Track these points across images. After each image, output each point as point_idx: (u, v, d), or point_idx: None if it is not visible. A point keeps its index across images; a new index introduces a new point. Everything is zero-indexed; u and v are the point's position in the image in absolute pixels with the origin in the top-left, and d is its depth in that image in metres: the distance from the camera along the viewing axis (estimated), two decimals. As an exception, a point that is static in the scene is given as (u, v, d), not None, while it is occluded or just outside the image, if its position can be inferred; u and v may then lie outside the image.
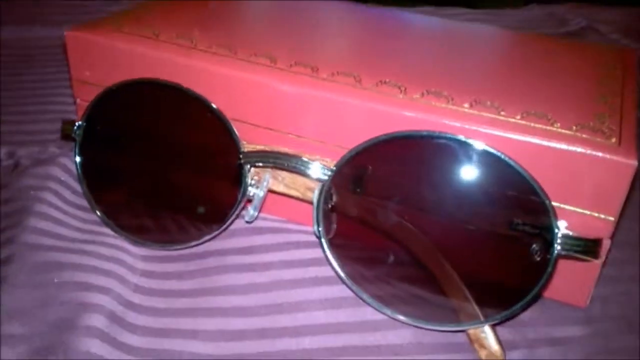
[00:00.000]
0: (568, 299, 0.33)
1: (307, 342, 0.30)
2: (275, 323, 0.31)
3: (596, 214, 0.30)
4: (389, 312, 0.30)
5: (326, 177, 0.31)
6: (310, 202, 0.33)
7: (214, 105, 0.32)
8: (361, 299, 0.31)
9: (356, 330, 0.30)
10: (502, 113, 0.31)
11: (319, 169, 0.31)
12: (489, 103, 0.32)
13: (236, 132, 0.32)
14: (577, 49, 0.40)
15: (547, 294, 0.33)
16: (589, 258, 0.27)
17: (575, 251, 0.27)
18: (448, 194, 0.30)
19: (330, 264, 0.31)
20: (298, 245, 0.35)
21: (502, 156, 0.28)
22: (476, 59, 0.38)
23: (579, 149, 0.29)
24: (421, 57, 0.37)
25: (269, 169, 0.34)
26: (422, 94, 0.32)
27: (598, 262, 0.31)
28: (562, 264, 0.31)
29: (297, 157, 0.31)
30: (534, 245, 0.28)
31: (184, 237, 0.34)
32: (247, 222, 0.34)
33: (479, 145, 0.28)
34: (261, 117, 0.34)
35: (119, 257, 0.34)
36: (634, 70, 0.36)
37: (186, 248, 0.35)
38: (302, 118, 0.33)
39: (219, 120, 0.32)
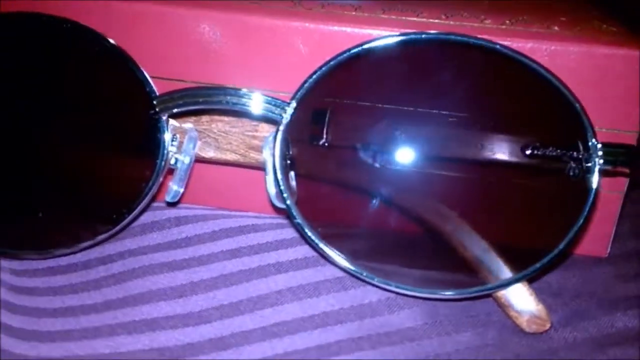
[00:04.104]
0: (587, 249, 0.28)
1: (286, 345, 0.22)
2: (232, 328, 0.23)
3: (617, 131, 0.26)
4: (392, 286, 0.23)
5: (282, 117, 0.24)
6: (255, 166, 0.26)
7: (110, 40, 0.24)
8: (357, 277, 0.24)
9: (349, 319, 0.23)
10: (487, 22, 0.27)
11: (271, 104, 0.24)
12: (465, 14, 0.28)
13: (144, 71, 0.25)
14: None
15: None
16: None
17: (622, 162, 0.23)
18: (453, 122, 0.24)
19: (308, 239, 0.24)
20: (243, 230, 0.27)
21: (519, 56, 0.23)
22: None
23: (597, 49, 0.25)
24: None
25: (193, 129, 0.26)
26: (383, 10, 0.27)
27: (619, 195, 0.27)
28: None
29: (236, 90, 0.24)
30: (571, 164, 0.23)
31: (74, 236, 0.26)
32: (169, 202, 0.26)
33: (490, 45, 0.23)
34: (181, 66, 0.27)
35: None
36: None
37: (79, 252, 0.26)
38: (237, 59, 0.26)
39: (118, 58, 0.25)
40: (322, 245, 0.24)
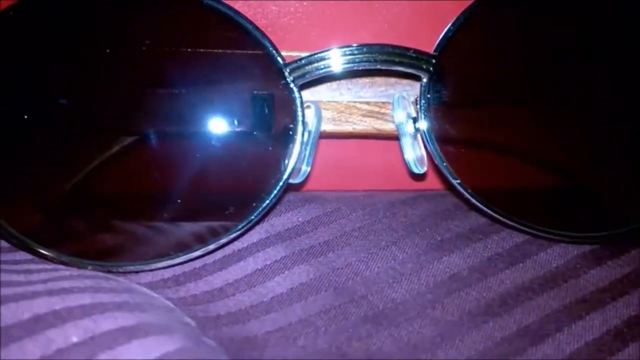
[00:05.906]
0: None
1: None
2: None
3: None
4: (565, 237, 0.23)
5: (430, 71, 0.23)
6: (376, 135, 0.25)
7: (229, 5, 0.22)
8: (526, 232, 0.24)
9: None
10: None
11: (417, 57, 0.23)
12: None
13: (270, 38, 0.23)
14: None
15: None
16: None
17: None
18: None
19: (474, 201, 0.23)
20: (369, 203, 0.26)
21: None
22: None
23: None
24: None
25: (315, 101, 0.24)
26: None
27: None
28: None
29: (382, 47, 0.22)
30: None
31: (209, 232, 0.23)
32: (294, 184, 0.24)
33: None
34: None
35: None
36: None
37: (214, 250, 0.23)
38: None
39: (240, 26, 0.22)
40: (489, 205, 0.23)
